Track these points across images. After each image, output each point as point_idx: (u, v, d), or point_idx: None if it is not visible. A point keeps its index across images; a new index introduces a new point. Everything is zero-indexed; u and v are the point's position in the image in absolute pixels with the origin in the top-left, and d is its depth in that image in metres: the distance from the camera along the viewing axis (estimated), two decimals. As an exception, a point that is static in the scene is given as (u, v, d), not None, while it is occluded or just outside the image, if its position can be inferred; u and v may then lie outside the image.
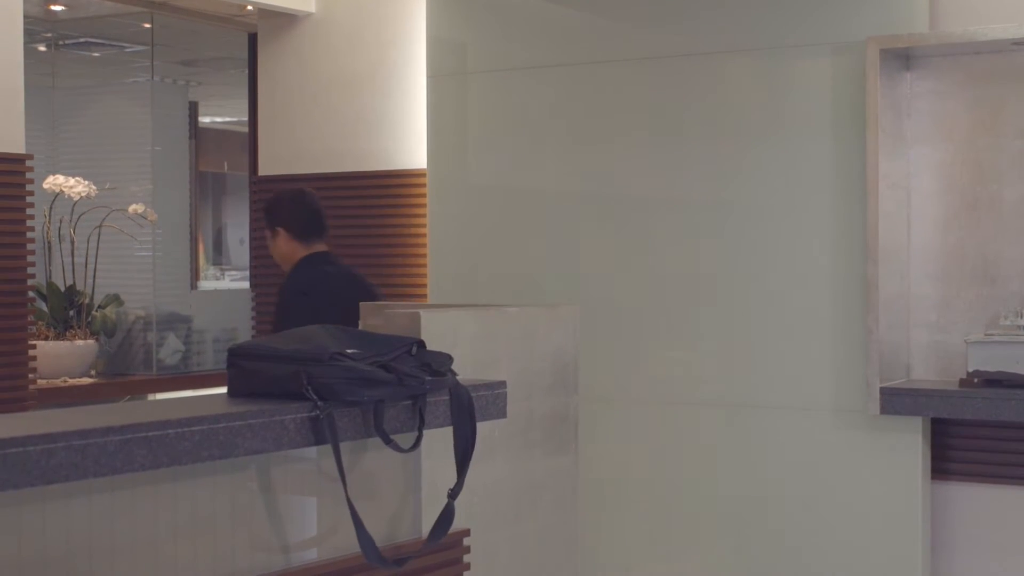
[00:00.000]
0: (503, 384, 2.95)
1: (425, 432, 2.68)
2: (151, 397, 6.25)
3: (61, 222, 6.12)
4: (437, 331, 3.02)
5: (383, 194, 5.89)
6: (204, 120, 11.12)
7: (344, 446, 2.53)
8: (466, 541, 3.06)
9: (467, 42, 5.54)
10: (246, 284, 6.75)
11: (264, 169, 6.23)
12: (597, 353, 4.87)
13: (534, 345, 3.45)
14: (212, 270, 12.19)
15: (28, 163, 4.73)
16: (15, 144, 4.70)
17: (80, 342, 5.97)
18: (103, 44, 7.93)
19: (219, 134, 12.22)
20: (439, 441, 2.80)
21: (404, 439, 2.65)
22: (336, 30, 6.03)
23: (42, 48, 7.70)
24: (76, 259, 6.10)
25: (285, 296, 4.75)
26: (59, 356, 5.87)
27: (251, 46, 6.58)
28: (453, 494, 2.71)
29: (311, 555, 2.69)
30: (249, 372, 2.58)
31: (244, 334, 6.64)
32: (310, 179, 6.03)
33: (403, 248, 5.85)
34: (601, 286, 5.22)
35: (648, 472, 5.12)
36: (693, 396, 5.05)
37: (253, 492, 2.57)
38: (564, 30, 5.34)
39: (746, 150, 4.98)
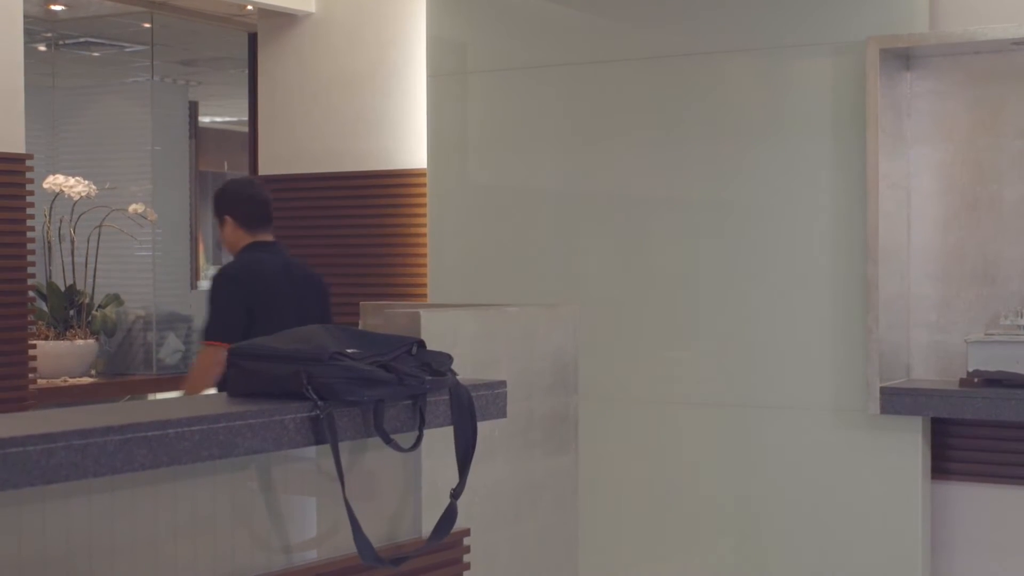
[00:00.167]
0: (503, 384, 2.95)
1: (425, 432, 2.68)
2: (151, 397, 6.25)
3: (61, 222, 6.12)
4: (437, 331, 3.02)
5: (383, 194, 5.89)
6: (204, 120, 11.13)
7: (344, 446, 2.53)
8: (466, 541, 3.06)
9: (467, 42, 5.54)
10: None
11: (264, 169, 6.23)
12: (597, 353, 4.87)
13: (534, 345, 3.45)
14: (212, 270, 12.18)
15: (28, 163, 4.73)
16: (15, 144, 4.69)
17: (80, 342, 5.97)
18: (103, 44, 7.94)
19: (219, 134, 12.23)
20: (439, 441, 2.80)
21: (404, 439, 2.65)
22: (336, 30, 6.03)
23: (42, 48, 7.70)
24: (76, 259, 6.11)
25: (215, 281, 4.82)
26: (59, 356, 5.87)
27: (251, 46, 6.58)
28: (455, 494, 2.71)
29: (311, 555, 2.69)
30: (249, 372, 2.58)
31: (244, 334, 6.63)
32: (310, 179, 6.04)
33: (403, 248, 5.85)
34: (601, 286, 5.22)
35: (648, 472, 5.12)
36: (693, 396, 5.05)
37: (253, 492, 2.57)
38: (564, 30, 5.34)
39: (746, 150, 4.98)
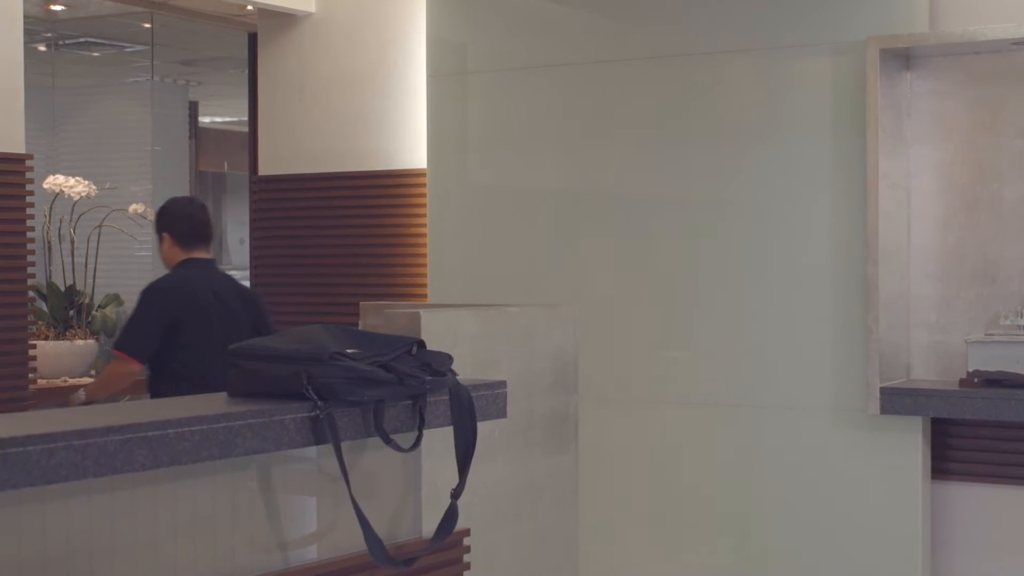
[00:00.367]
0: (503, 384, 2.95)
1: (425, 432, 2.68)
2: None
3: (61, 222, 6.12)
4: (437, 331, 3.01)
5: (383, 194, 5.88)
6: (204, 120, 11.13)
7: (344, 446, 2.53)
8: (466, 541, 3.06)
9: (467, 42, 5.54)
10: (246, 284, 6.75)
11: (264, 169, 6.23)
12: (597, 353, 4.87)
13: (534, 345, 3.45)
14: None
15: (28, 163, 4.73)
16: (15, 144, 4.69)
17: (80, 342, 5.97)
18: (103, 44, 7.94)
19: (219, 134, 12.22)
20: (439, 441, 2.80)
21: (404, 439, 2.65)
22: (336, 30, 6.03)
23: (42, 48, 7.71)
24: (76, 259, 6.11)
25: (142, 294, 5.01)
26: (59, 356, 5.87)
27: (251, 46, 6.57)
28: (456, 494, 2.71)
29: (311, 554, 2.69)
30: (249, 372, 2.58)
31: (244, 334, 6.64)
32: (310, 179, 6.04)
33: (403, 248, 5.85)
34: (601, 286, 5.22)
35: (648, 472, 5.12)
36: (693, 396, 5.05)
37: (253, 492, 2.57)
38: (564, 30, 5.34)
39: (746, 150, 4.98)
